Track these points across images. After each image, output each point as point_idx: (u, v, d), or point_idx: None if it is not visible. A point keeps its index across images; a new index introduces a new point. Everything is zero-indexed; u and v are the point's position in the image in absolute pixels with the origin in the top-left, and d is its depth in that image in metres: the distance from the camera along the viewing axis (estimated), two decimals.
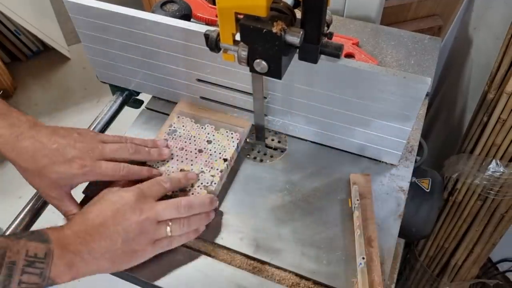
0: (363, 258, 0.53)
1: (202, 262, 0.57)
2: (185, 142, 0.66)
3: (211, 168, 0.63)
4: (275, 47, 0.45)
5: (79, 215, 0.52)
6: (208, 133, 0.67)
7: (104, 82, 0.78)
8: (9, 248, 0.44)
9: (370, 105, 0.58)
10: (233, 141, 0.66)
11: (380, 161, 0.66)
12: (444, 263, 1.16)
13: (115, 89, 0.78)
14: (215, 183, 0.61)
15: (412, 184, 0.71)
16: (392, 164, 0.66)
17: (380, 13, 0.90)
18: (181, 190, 0.60)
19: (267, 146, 0.69)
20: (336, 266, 0.55)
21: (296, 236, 0.58)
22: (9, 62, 2.14)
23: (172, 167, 0.63)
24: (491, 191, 0.89)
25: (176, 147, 0.65)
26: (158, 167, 0.63)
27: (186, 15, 0.79)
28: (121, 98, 0.77)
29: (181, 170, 0.63)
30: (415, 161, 0.67)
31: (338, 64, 0.55)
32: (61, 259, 0.46)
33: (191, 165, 0.63)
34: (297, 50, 0.49)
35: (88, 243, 0.49)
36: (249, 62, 0.47)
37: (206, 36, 0.48)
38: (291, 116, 0.66)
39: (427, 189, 0.73)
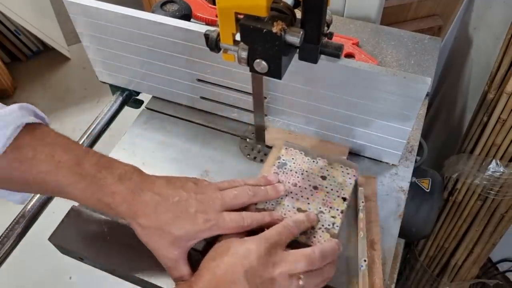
0: (365, 261, 0.52)
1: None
2: (298, 177, 0.60)
3: (330, 208, 0.57)
4: (275, 47, 0.45)
5: (207, 270, 0.47)
6: (321, 168, 0.61)
7: (104, 82, 0.78)
8: None
9: (370, 105, 0.58)
10: (349, 178, 0.60)
11: (380, 161, 0.66)
12: (444, 263, 1.16)
13: (115, 89, 0.78)
14: (337, 226, 0.55)
15: (412, 184, 0.71)
16: (392, 164, 0.66)
17: (380, 13, 0.90)
18: (302, 234, 0.54)
19: (267, 146, 0.69)
20: (336, 266, 0.55)
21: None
22: (9, 62, 2.14)
23: (288, 206, 0.57)
24: (491, 191, 0.89)
25: (289, 182, 0.59)
26: (273, 206, 0.57)
27: (186, 15, 0.79)
28: (121, 98, 0.77)
29: (298, 210, 0.56)
30: (415, 161, 0.67)
31: (338, 64, 0.55)
32: None
33: (308, 203, 0.57)
34: (297, 50, 0.49)
35: None
36: (249, 62, 0.47)
37: (206, 36, 0.48)
38: (291, 116, 0.66)
39: (427, 189, 0.73)
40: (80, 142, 0.70)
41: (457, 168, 0.92)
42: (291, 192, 0.58)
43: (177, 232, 0.48)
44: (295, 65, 0.55)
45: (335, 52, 0.49)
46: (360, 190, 0.60)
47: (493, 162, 0.86)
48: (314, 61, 0.50)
